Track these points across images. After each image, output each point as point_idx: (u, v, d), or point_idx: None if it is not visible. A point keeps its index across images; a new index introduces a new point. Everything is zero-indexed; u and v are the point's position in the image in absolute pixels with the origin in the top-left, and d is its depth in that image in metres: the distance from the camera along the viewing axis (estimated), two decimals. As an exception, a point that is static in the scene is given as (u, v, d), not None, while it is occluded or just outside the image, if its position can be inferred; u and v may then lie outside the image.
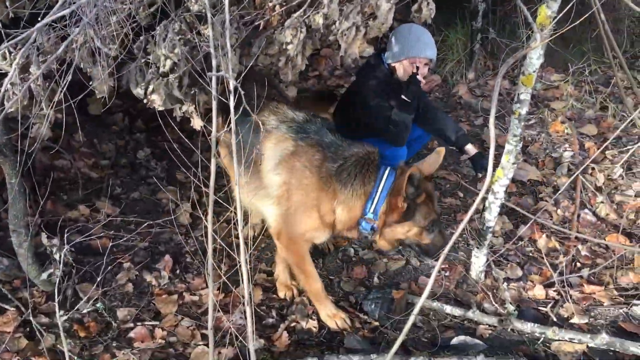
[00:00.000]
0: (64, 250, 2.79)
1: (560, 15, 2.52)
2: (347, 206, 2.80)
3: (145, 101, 2.58)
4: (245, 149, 2.78)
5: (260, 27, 2.69)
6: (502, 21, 5.55)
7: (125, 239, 3.30)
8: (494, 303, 3.10)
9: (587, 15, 2.79)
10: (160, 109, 2.58)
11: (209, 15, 2.12)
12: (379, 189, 2.76)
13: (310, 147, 2.83)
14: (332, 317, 3.01)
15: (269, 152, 2.84)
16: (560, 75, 5.41)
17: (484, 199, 3.13)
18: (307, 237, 2.93)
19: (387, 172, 2.79)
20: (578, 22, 2.57)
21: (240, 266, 2.18)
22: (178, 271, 3.29)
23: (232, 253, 2.19)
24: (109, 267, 3.12)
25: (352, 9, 2.38)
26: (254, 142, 2.85)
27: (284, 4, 2.56)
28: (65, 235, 2.89)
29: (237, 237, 2.21)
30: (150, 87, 2.51)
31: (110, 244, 3.18)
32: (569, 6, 2.48)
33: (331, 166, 2.78)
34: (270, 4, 2.62)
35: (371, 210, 2.76)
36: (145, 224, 3.22)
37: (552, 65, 5.52)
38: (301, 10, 2.44)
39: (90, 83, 2.40)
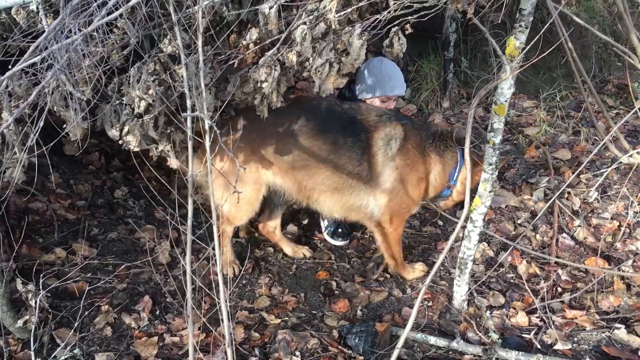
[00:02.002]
0: (40, 295, 2.74)
1: (530, 45, 2.58)
2: (442, 174, 3.35)
3: (120, 142, 2.57)
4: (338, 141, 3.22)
5: (235, 65, 2.72)
6: (473, 50, 5.67)
7: (103, 281, 3.25)
8: (477, 332, 3.09)
9: (555, 45, 2.85)
10: (136, 149, 2.56)
11: (182, 56, 2.14)
12: (459, 160, 3.32)
13: (413, 130, 3.32)
14: (413, 271, 3.61)
15: (381, 142, 3.23)
16: (532, 101, 5.52)
17: (463, 228, 3.15)
18: (412, 209, 3.45)
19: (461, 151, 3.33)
20: (547, 52, 2.64)
21: (220, 306, 2.16)
22: (158, 312, 3.23)
23: (210, 294, 2.16)
24: (87, 311, 3.06)
25: (325, 46, 2.41)
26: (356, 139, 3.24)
27: (258, 42, 2.58)
28: (41, 280, 2.84)
29: (217, 274, 2.20)
30: (126, 129, 2.50)
31: (88, 287, 3.13)
32: (537, 37, 2.55)
33: (427, 143, 3.31)
34: (244, 42, 2.64)
35: (454, 177, 3.36)
36: (124, 266, 3.17)
37: (524, 92, 5.64)
38: (275, 48, 2.46)
39: (64, 126, 2.38)
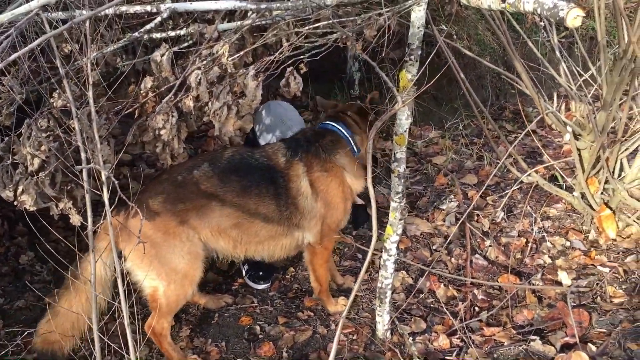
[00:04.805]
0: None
1: (419, 74, 2.71)
2: (350, 163, 3.41)
3: (15, 203, 2.46)
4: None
5: (135, 115, 2.69)
6: (377, 87, 5.86)
7: (10, 352, 3.05)
8: (403, 359, 3.12)
9: (442, 71, 3.01)
10: (33, 209, 2.46)
11: (73, 109, 2.10)
12: (345, 134, 3.42)
13: (307, 155, 3.35)
14: (336, 304, 3.66)
15: (296, 182, 3.31)
16: (437, 132, 5.76)
17: (379, 258, 3.21)
18: (342, 224, 3.53)
19: (333, 122, 3.47)
20: (435, 79, 2.78)
21: (131, 364, 2.08)
22: (71, 379, 3.06)
23: (119, 351, 2.08)
24: (-8, 388, 2.85)
25: (222, 90, 2.44)
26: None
27: (155, 90, 2.58)
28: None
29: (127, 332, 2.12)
30: (20, 188, 2.40)
31: (-7, 360, 2.93)
32: (424, 67, 2.68)
33: (323, 154, 3.37)
34: (142, 92, 2.63)
35: (355, 148, 3.41)
36: (26, 332, 2.99)
37: (429, 123, 5.87)
38: (171, 94, 2.46)
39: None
